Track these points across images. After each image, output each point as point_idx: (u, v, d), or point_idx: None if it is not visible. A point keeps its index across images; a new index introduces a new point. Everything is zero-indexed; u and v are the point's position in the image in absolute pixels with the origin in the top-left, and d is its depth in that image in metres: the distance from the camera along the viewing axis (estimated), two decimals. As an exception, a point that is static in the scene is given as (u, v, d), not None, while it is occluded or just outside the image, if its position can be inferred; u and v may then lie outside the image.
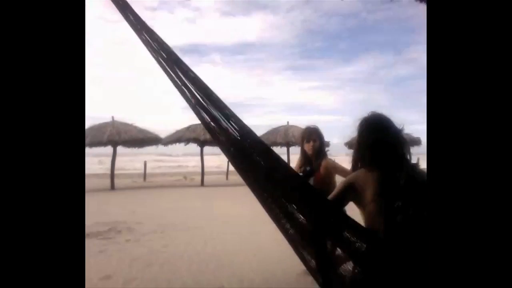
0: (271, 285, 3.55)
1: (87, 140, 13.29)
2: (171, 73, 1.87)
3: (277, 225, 1.68)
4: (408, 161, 1.63)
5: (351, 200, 1.65)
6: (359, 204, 1.62)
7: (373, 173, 1.58)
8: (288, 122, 16.89)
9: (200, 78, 1.75)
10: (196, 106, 1.81)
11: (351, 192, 1.63)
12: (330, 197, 1.63)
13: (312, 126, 3.25)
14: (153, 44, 1.89)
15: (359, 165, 1.68)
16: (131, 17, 1.95)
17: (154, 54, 1.92)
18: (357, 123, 1.69)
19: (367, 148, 1.63)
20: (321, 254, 1.52)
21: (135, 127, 14.93)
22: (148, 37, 1.91)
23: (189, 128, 15.65)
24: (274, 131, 16.72)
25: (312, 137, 3.16)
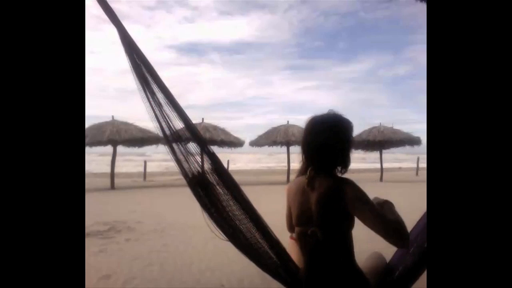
0: (271, 285, 3.55)
1: (87, 140, 13.27)
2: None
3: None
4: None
5: None
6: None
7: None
8: (288, 122, 16.90)
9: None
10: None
11: None
12: None
13: None
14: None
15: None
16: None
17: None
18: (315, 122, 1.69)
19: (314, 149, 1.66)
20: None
21: (136, 126, 14.87)
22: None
23: (189, 128, 15.54)
24: (274, 131, 16.73)
25: None
